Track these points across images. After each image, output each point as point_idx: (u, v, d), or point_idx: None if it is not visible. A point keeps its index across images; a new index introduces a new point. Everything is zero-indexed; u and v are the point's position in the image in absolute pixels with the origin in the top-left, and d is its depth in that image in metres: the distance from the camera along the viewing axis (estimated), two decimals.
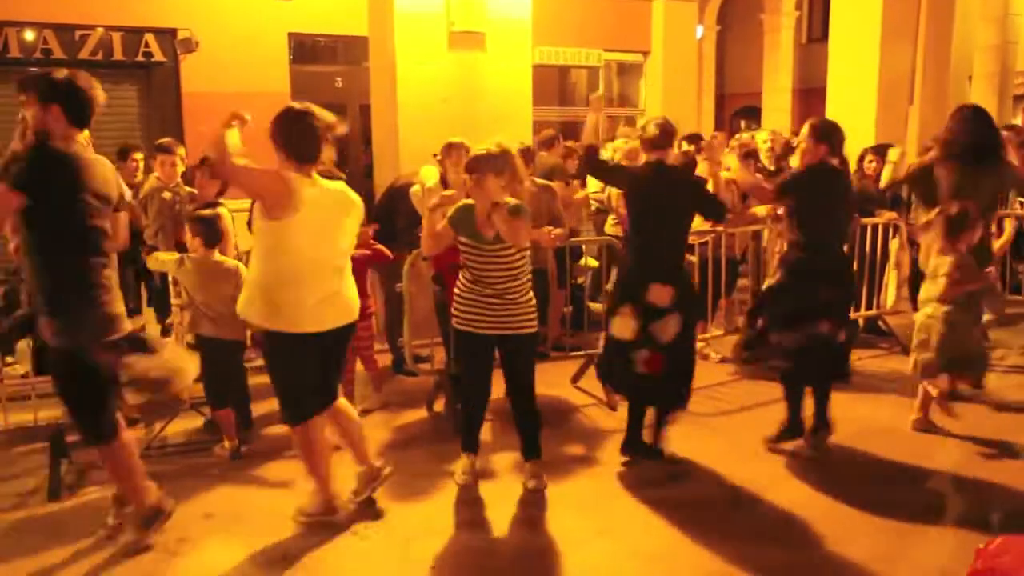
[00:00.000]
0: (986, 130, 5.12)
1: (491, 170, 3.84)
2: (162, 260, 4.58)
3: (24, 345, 5.23)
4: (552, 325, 5.93)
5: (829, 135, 4.44)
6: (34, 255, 3.29)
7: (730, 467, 4.35)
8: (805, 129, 4.53)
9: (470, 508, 3.95)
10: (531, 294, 4.08)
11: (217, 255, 4.47)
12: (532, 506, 3.97)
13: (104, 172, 3.40)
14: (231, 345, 4.50)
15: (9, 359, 5.74)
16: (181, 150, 5.92)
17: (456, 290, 4.10)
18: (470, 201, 3.97)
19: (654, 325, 4.18)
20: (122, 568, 3.40)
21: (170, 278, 4.94)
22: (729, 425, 4.95)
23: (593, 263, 7.16)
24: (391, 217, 5.85)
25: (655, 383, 4.28)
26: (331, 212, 3.55)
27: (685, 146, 8.47)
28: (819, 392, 4.51)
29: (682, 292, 4.25)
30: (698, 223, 6.38)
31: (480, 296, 3.98)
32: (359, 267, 4.99)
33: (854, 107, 9.03)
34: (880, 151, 7.00)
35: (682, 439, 4.71)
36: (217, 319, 4.38)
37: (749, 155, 6.24)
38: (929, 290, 4.70)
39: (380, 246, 5.18)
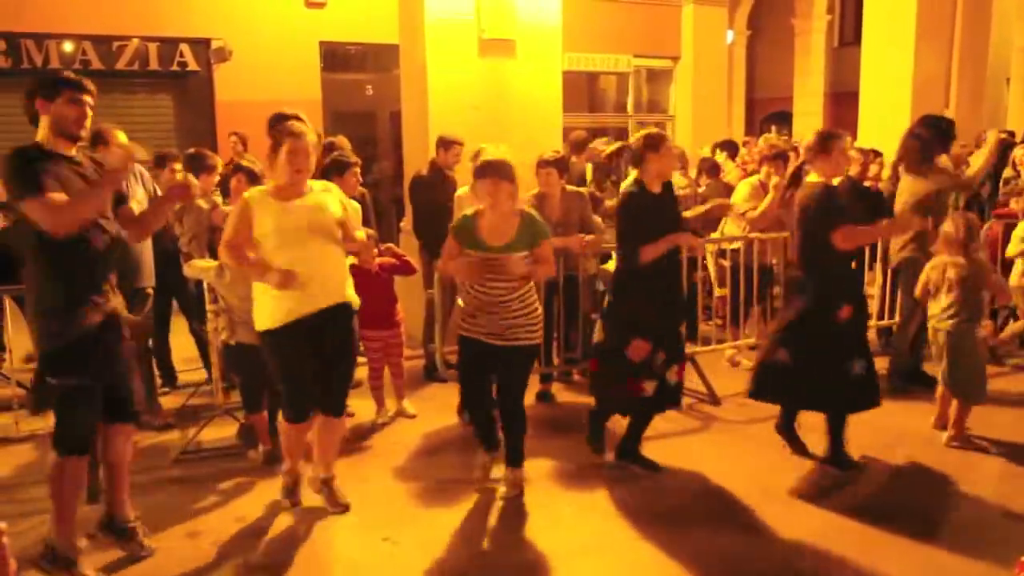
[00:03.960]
0: None
1: (508, 178, 3.84)
2: (200, 268, 4.61)
3: None
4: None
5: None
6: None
7: (761, 476, 4.30)
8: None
9: (500, 514, 3.95)
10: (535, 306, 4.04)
11: None
12: (562, 512, 3.96)
13: None
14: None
15: None
16: (217, 159, 5.99)
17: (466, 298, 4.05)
18: (469, 211, 3.97)
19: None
20: (155, 571, 3.45)
21: (205, 285, 4.98)
22: (760, 433, 4.88)
23: None
24: (414, 209, 6.03)
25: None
26: None
27: (719, 154, 8.45)
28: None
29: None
30: (731, 228, 6.37)
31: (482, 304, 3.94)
32: (384, 274, 5.03)
33: (887, 110, 8.94)
34: None
35: (713, 447, 4.69)
36: (249, 325, 4.40)
37: (779, 156, 6.19)
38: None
39: (407, 258, 5.20)
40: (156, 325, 5.50)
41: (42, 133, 3.23)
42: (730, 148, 8.71)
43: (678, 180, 7.10)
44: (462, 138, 6.09)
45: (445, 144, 6.14)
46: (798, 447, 4.55)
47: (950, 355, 4.62)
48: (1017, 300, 6.15)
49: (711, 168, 7.56)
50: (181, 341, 5.90)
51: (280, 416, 3.91)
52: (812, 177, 4.35)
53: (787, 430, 4.56)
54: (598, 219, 5.57)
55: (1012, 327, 6.34)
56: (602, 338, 4.39)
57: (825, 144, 4.23)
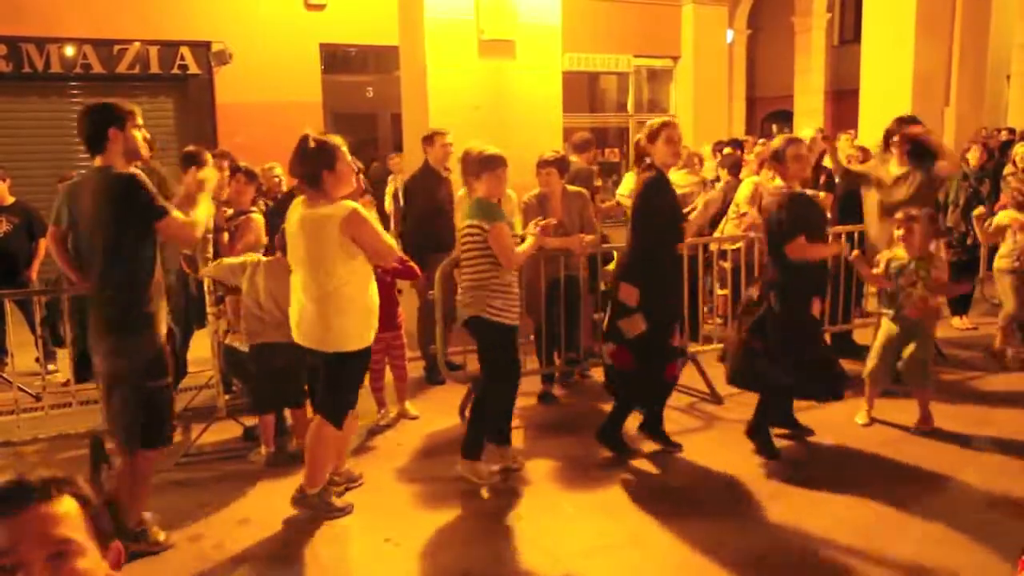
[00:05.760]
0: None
1: (504, 166, 4.20)
2: (229, 266, 4.53)
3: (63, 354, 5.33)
4: (584, 332, 5.91)
5: None
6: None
7: (764, 474, 4.30)
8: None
9: (503, 515, 3.95)
10: None
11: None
12: (565, 512, 3.97)
13: None
14: (294, 347, 4.43)
15: (51, 367, 5.86)
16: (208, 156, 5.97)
17: (503, 287, 4.23)
18: (480, 197, 4.25)
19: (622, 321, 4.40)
20: (157, 572, 3.45)
21: (206, 287, 4.97)
22: None
23: None
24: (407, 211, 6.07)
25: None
26: None
27: (728, 151, 8.47)
28: None
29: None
30: (731, 228, 6.37)
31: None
32: (387, 277, 5.02)
33: (888, 107, 8.89)
34: None
35: (716, 445, 4.69)
36: (280, 324, 4.32)
37: None
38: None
39: (412, 263, 5.20)
40: None
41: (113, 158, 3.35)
42: (736, 147, 8.72)
43: (682, 179, 7.10)
44: (444, 129, 6.06)
45: (427, 139, 6.09)
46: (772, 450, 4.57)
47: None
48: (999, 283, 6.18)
49: (733, 165, 7.51)
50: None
51: (320, 428, 3.89)
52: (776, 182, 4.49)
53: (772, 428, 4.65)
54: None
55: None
56: (640, 333, 4.36)
57: (778, 153, 4.38)
